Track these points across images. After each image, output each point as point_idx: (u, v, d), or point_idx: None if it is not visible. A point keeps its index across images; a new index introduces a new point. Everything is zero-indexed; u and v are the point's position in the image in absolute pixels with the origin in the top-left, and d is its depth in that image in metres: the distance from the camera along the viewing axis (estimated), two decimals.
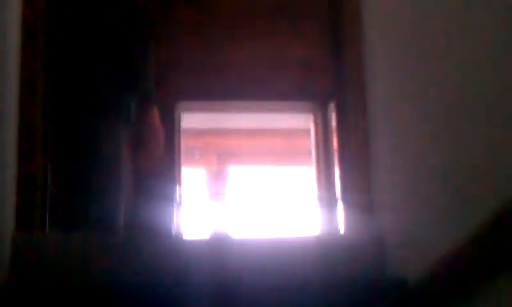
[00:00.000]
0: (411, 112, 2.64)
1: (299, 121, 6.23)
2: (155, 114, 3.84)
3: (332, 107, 5.79)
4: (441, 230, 2.31)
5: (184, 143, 5.96)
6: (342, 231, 5.28)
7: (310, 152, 6.07)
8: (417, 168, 2.55)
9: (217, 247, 2.65)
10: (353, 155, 2.87)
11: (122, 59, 3.76)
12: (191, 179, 6.39)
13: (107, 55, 3.75)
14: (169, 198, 4.95)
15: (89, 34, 3.77)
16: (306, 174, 6.34)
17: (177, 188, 5.28)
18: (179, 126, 5.84)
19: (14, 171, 2.54)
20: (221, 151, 6.65)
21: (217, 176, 6.67)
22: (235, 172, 6.70)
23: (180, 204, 5.28)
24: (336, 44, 3.02)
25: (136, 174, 4.79)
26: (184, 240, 2.98)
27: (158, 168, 5.37)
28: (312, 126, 6.03)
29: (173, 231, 4.79)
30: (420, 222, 2.51)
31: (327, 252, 2.73)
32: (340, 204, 5.68)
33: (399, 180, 2.71)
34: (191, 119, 6.08)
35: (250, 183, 6.61)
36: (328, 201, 5.81)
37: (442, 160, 2.34)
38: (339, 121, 3.02)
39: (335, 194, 5.81)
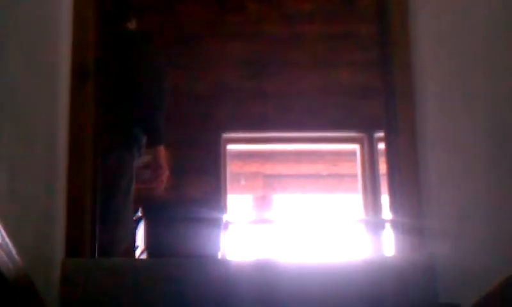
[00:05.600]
0: (462, 138, 2.61)
1: (345, 146, 6.22)
2: (162, 154, 3.97)
3: (378, 132, 5.79)
4: (494, 257, 2.27)
5: (230, 170, 6.00)
6: (390, 255, 5.24)
7: (355, 176, 6.06)
8: (469, 193, 2.52)
9: (263, 270, 2.63)
10: (404, 180, 2.85)
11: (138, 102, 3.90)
12: (238, 205, 6.40)
13: (126, 97, 3.89)
14: (216, 224, 4.95)
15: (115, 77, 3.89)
16: (351, 200, 6.30)
17: (223, 214, 5.28)
18: (225, 155, 5.88)
19: (64, 199, 2.56)
20: (266, 177, 6.65)
21: (263, 202, 6.66)
22: (281, 200, 6.69)
23: (226, 229, 5.28)
24: (385, 72, 3.01)
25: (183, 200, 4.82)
26: (231, 262, 2.96)
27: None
28: (358, 151, 6.01)
29: (220, 256, 4.78)
30: (473, 248, 2.47)
31: (376, 275, 2.70)
32: (387, 229, 5.64)
33: (451, 205, 2.68)
34: (237, 147, 6.12)
35: (295, 211, 6.59)
36: (375, 226, 5.77)
37: (496, 185, 2.31)
38: (389, 147, 2.99)
39: (381, 218, 5.77)
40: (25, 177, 2.03)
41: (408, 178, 2.85)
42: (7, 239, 1.65)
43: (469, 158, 2.54)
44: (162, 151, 3.96)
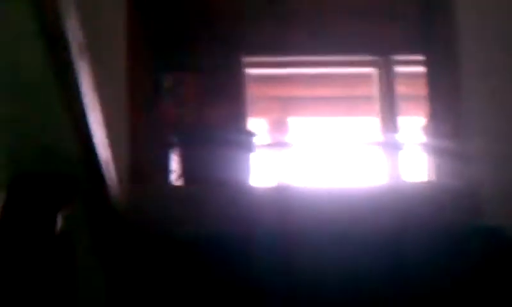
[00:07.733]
0: (506, 59, 2.64)
1: (363, 69, 6.24)
2: None
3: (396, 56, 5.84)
4: None
5: (249, 93, 6.01)
6: (410, 179, 5.33)
7: (371, 99, 6.10)
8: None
9: (281, 195, 2.70)
10: (444, 103, 2.90)
11: None
12: (256, 128, 6.43)
13: None
14: (238, 148, 5.00)
15: None
16: (367, 123, 6.34)
17: (245, 138, 5.32)
18: (245, 79, 5.90)
19: (127, 131, 2.63)
20: (283, 100, 6.67)
21: (279, 126, 6.70)
22: (297, 123, 6.71)
23: (249, 153, 5.33)
24: None
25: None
26: (254, 188, 3.03)
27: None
28: (375, 74, 6.05)
29: (247, 180, 4.86)
30: None
31: (416, 200, 2.74)
32: (404, 152, 5.72)
33: (492, 128, 2.72)
34: (257, 71, 6.13)
35: (313, 134, 6.62)
36: (393, 149, 5.84)
37: None
38: (430, 68, 3.04)
39: (399, 141, 5.84)
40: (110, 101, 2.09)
41: (448, 100, 2.89)
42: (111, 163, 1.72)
43: None
44: None
